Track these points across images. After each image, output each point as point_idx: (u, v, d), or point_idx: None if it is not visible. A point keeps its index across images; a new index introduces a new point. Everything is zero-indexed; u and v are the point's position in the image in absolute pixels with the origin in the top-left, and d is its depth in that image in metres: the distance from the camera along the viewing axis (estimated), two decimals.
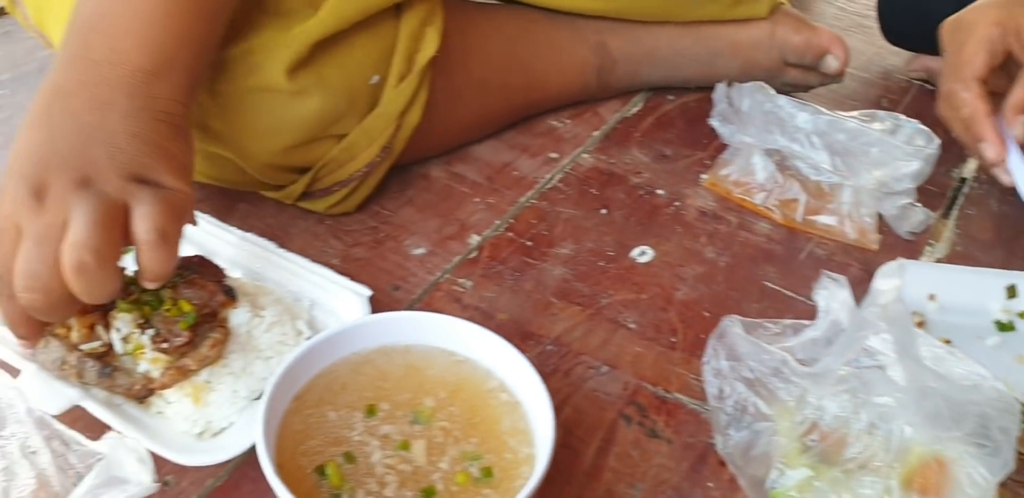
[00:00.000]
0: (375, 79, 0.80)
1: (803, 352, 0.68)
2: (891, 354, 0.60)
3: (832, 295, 0.70)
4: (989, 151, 0.81)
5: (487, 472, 0.56)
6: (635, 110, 1.05)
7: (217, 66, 0.74)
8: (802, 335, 0.70)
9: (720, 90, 0.96)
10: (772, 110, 0.91)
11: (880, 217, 0.89)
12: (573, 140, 1.00)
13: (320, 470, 0.55)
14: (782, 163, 0.91)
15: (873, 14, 1.30)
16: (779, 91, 1.02)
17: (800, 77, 1.06)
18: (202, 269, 0.67)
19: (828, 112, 0.91)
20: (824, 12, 1.30)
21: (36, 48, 1.04)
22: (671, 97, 1.07)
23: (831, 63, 1.03)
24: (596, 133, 1.01)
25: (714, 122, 0.95)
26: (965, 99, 0.81)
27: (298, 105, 0.76)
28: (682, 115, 1.05)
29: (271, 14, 0.76)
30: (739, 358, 0.67)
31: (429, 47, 0.84)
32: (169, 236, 0.59)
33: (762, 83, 0.94)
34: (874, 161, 0.88)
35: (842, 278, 0.70)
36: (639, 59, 1.02)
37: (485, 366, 0.62)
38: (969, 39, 0.82)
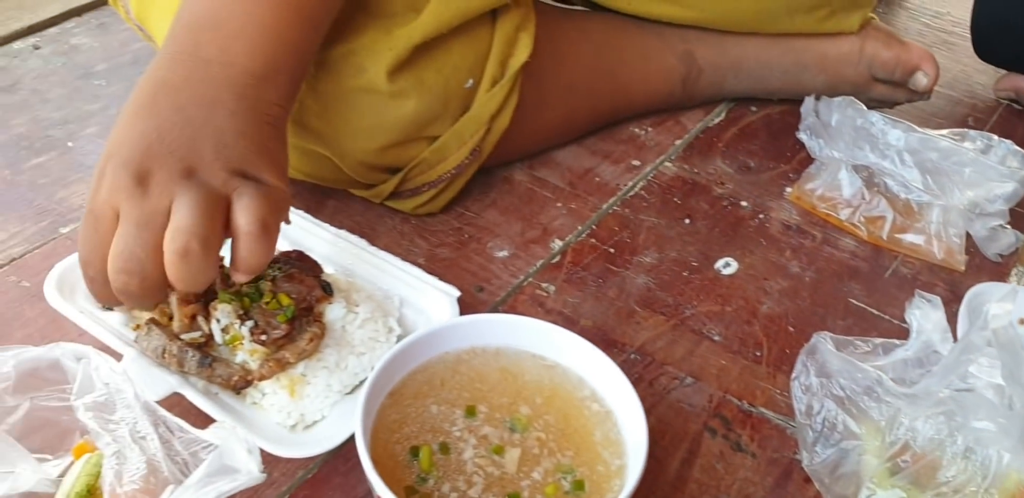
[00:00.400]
0: (470, 83, 0.81)
1: (894, 372, 0.68)
2: (997, 379, 0.60)
3: (925, 315, 0.69)
4: None
5: (579, 485, 0.56)
6: (718, 120, 1.05)
7: (319, 65, 0.75)
8: (893, 355, 0.69)
9: (808, 103, 0.96)
10: (863, 126, 0.90)
11: (968, 238, 0.88)
12: (656, 148, 0.99)
13: (414, 451, 0.56)
14: (869, 179, 0.91)
15: (959, 31, 1.29)
16: (865, 106, 1.01)
17: (887, 93, 1.05)
18: (300, 263, 0.68)
19: (920, 130, 0.90)
20: (909, 27, 1.29)
21: (130, 40, 1.06)
22: (754, 108, 1.07)
23: (920, 80, 1.02)
24: (679, 142, 1.00)
25: (802, 135, 0.94)
26: None
27: (396, 106, 0.77)
28: (766, 126, 1.04)
29: (374, 16, 0.76)
30: (830, 375, 0.67)
31: (522, 52, 0.84)
32: (269, 228, 0.59)
33: (852, 98, 0.93)
34: (966, 181, 0.87)
35: (936, 299, 0.70)
36: (725, 69, 1.02)
37: (576, 373, 0.62)
38: None
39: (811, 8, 0.98)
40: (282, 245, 0.75)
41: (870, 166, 0.90)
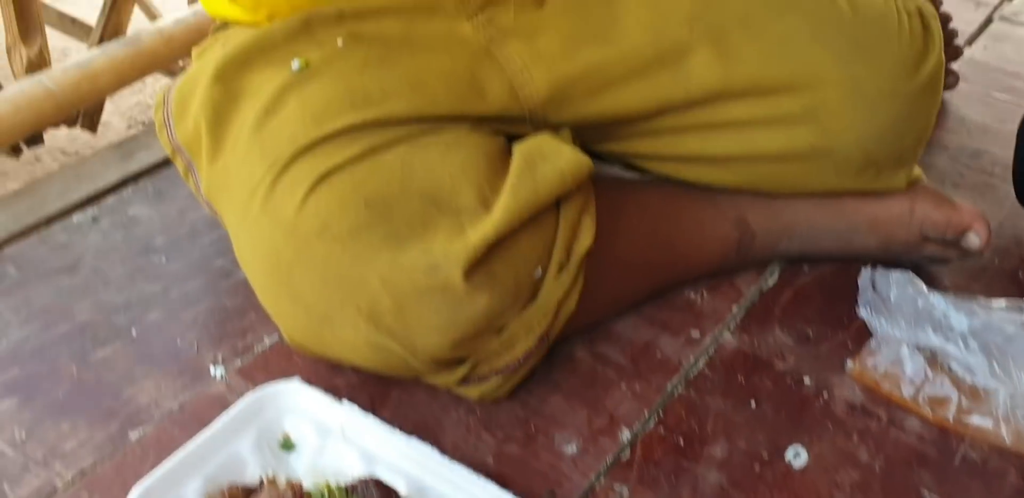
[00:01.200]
0: (539, 272, 0.81)
1: None
2: None
3: None
4: None
5: None
6: (772, 281, 1.05)
7: (392, 264, 0.75)
8: None
9: (866, 277, 0.96)
10: (925, 307, 0.90)
11: None
12: (713, 315, 0.99)
13: None
14: (932, 358, 0.90)
15: (998, 171, 1.30)
16: (915, 264, 1.02)
17: (939, 252, 1.05)
18: (378, 492, 0.67)
19: (983, 311, 0.90)
20: (949, 170, 1.30)
21: (187, 209, 1.07)
22: (806, 268, 1.07)
23: (973, 240, 1.02)
24: (736, 308, 1.01)
25: (862, 312, 0.94)
26: None
27: (470, 302, 0.77)
28: (820, 290, 1.04)
29: (444, 211, 0.78)
30: None
31: (586, 236, 0.85)
32: None
33: (912, 274, 0.94)
34: None
35: None
36: (778, 233, 1.03)
37: None
38: None
39: (858, 170, 0.98)
40: (355, 457, 0.75)
41: (935, 347, 0.90)
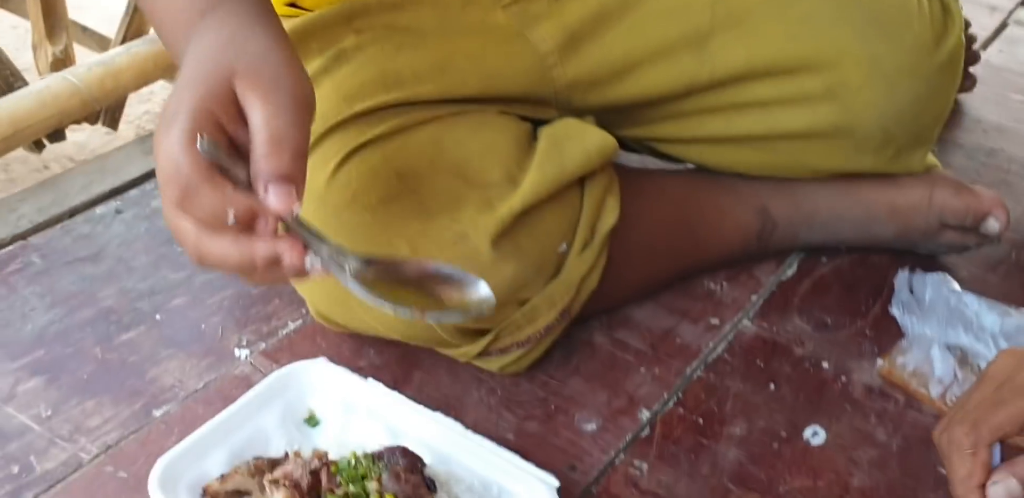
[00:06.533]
0: (563, 247, 0.83)
1: None
2: None
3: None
4: None
5: None
6: (791, 272, 1.05)
7: (421, 233, 0.77)
8: None
9: (902, 278, 0.97)
10: (958, 307, 0.91)
11: None
12: (732, 305, 1.00)
13: None
14: (963, 359, 0.90)
15: (1015, 168, 1.30)
16: (933, 252, 1.02)
17: (957, 238, 1.05)
18: (404, 459, 0.68)
19: (1017, 314, 0.90)
20: (966, 167, 1.30)
21: None
22: (824, 259, 1.08)
23: (992, 225, 1.02)
24: (755, 297, 1.01)
25: (894, 310, 0.95)
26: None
27: (495, 272, 0.78)
28: (838, 279, 1.05)
29: (473, 186, 0.80)
30: None
31: (610, 215, 0.86)
32: None
33: (947, 275, 0.94)
34: None
35: None
36: (798, 222, 1.03)
37: None
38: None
39: (878, 147, 0.98)
40: (380, 431, 0.76)
41: (964, 346, 0.90)
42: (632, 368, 0.91)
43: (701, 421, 0.85)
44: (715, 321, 0.97)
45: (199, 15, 0.66)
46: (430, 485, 0.67)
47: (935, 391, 0.89)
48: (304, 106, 0.62)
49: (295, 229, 0.58)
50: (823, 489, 0.80)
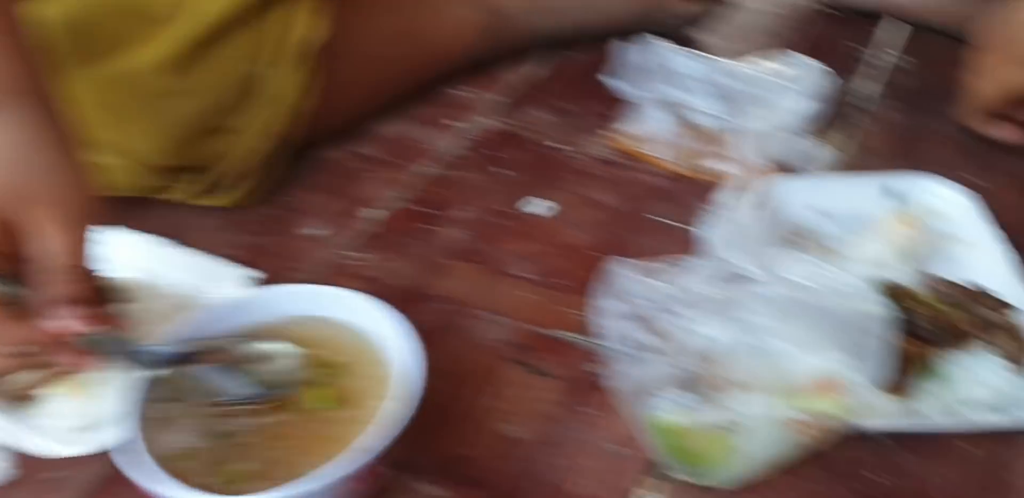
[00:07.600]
0: (248, 69, 0.81)
1: (690, 286, 0.69)
2: (760, 274, 0.61)
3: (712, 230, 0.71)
4: None
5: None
6: (531, 69, 1.05)
7: (109, 79, 0.76)
8: (688, 270, 0.70)
9: (613, 47, 0.97)
10: (665, 63, 0.92)
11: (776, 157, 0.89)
12: (472, 105, 1.00)
13: None
14: (680, 115, 0.92)
15: None
16: (672, 28, 1.02)
17: (683, 6, 1.06)
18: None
19: (721, 59, 0.92)
20: None
21: None
22: (564, 52, 1.08)
23: None
24: (492, 95, 1.01)
25: (609, 79, 0.96)
26: None
27: (174, 105, 0.78)
28: (580, 73, 1.05)
29: (141, 20, 0.77)
30: (626, 296, 0.68)
31: (300, 29, 0.84)
32: None
33: (653, 37, 0.95)
34: (768, 104, 0.89)
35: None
36: (526, 8, 1.03)
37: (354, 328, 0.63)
38: None
39: None
40: None
41: (678, 101, 0.91)
42: (367, 176, 0.91)
43: (433, 211, 0.86)
44: (457, 123, 0.97)
45: None
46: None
47: (660, 151, 0.91)
48: (91, 223, 0.58)
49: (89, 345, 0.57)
50: (539, 251, 0.81)
